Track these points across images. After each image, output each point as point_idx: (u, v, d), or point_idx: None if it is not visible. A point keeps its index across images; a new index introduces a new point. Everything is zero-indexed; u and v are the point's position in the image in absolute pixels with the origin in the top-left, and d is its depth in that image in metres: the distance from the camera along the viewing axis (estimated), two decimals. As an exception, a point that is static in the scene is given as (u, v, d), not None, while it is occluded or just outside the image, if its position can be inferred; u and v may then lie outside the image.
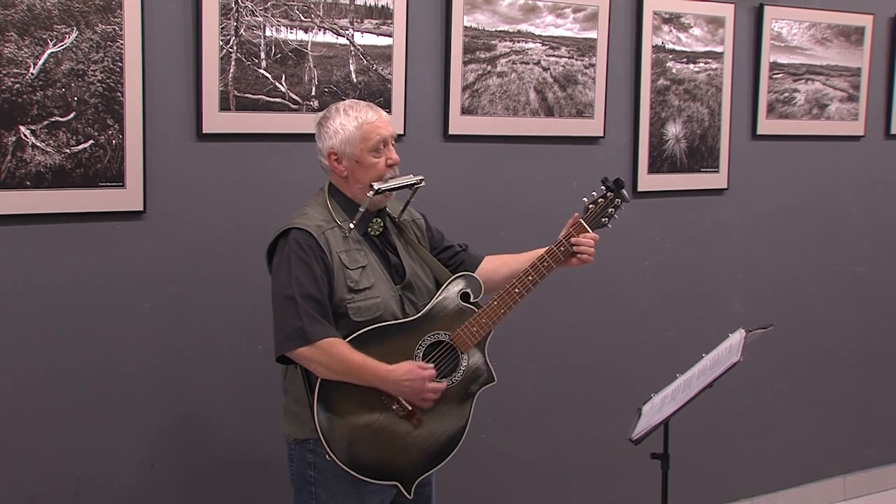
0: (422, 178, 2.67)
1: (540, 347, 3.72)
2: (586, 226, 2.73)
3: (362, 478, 2.53)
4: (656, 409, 2.83)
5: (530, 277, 2.67)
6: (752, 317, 3.99)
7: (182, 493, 3.08)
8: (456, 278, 2.68)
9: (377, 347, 2.54)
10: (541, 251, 2.72)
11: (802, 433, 4.50)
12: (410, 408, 2.57)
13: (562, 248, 2.70)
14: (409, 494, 2.59)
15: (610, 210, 2.75)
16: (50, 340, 2.85)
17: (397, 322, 2.58)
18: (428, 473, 2.64)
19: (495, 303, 2.64)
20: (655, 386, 2.97)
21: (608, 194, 2.75)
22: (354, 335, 2.53)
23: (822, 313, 4.50)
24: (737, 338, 2.89)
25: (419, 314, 2.61)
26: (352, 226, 2.59)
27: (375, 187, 2.56)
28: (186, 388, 3.05)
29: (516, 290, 2.65)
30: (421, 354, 2.59)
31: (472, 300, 2.67)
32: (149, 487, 3.02)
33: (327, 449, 2.51)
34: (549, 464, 3.81)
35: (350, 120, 2.59)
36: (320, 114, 2.67)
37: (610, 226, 2.78)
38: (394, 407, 2.57)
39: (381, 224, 2.67)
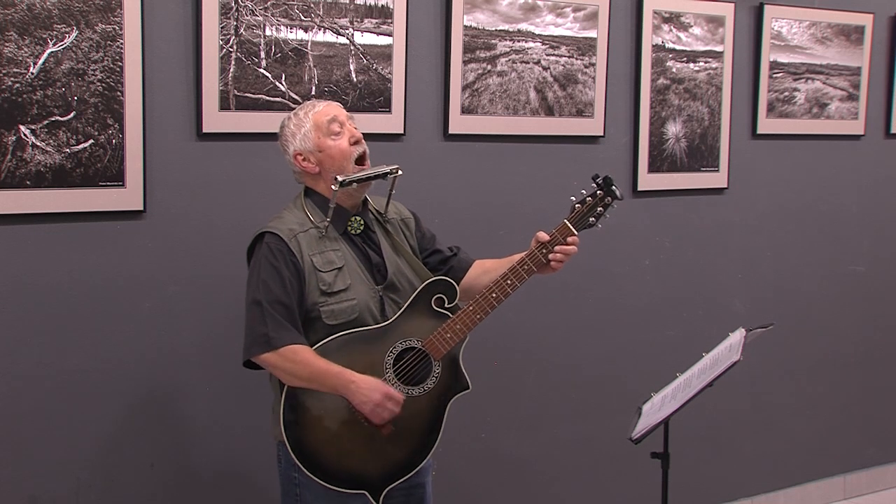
0: (396, 167, 2.60)
1: (540, 347, 3.72)
2: (571, 227, 2.61)
3: (329, 486, 2.50)
4: (656, 409, 2.83)
5: (509, 282, 2.57)
6: (752, 316, 4.00)
7: (182, 492, 3.08)
8: (430, 283, 2.60)
9: (345, 355, 2.49)
10: (521, 255, 2.63)
11: (802, 433, 4.50)
12: None
13: (543, 251, 2.60)
14: (378, 503, 2.54)
15: (599, 209, 2.63)
16: (50, 340, 2.85)
17: (366, 329, 2.53)
18: (397, 483, 2.58)
19: (471, 308, 2.57)
20: (655, 385, 2.97)
21: (598, 192, 2.63)
22: (321, 343, 2.50)
23: (822, 313, 4.50)
24: (737, 337, 2.89)
25: (389, 321, 2.55)
26: (327, 223, 2.55)
27: (339, 179, 2.52)
28: (186, 387, 3.05)
29: (493, 296, 2.57)
30: (391, 361, 2.54)
31: (447, 305, 2.59)
32: (149, 487, 3.02)
33: (293, 456, 2.48)
34: (549, 464, 3.80)
35: (300, 118, 2.60)
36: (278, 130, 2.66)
37: (600, 226, 2.67)
38: (361, 416, 2.51)
39: (362, 222, 2.62)
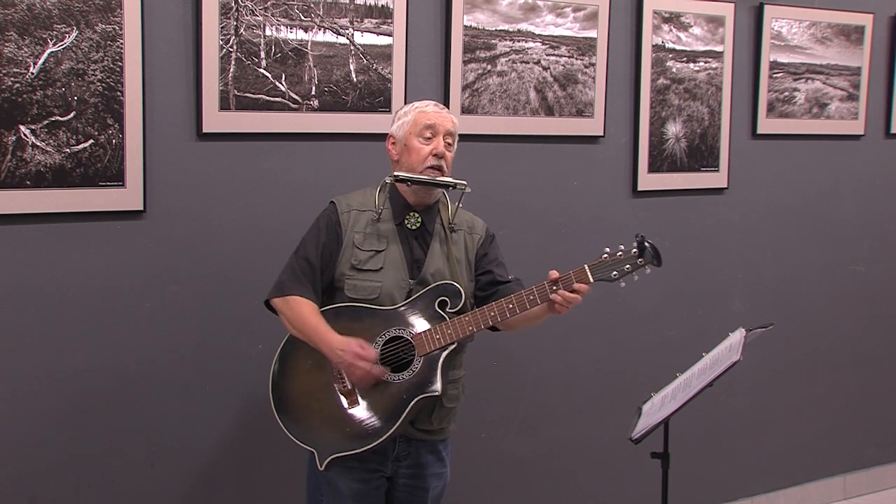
0: (464, 182, 2.69)
1: (540, 347, 3.72)
2: (587, 273, 2.60)
3: (287, 431, 2.64)
4: (656, 409, 2.83)
5: (510, 305, 2.61)
6: (752, 316, 4.00)
7: (182, 493, 3.08)
8: (439, 285, 2.67)
9: (346, 324, 2.63)
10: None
11: (802, 433, 4.50)
12: (351, 386, 2.63)
13: (553, 287, 2.59)
14: (321, 467, 2.62)
15: (626, 266, 2.61)
16: (50, 340, 2.85)
17: (371, 307, 2.65)
18: (342, 454, 2.61)
19: (467, 318, 2.62)
20: (655, 385, 2.97)
21: (632, 252, 2.61)
22: (332, 306, 2.66)
23: (822, 313, 4.50)
24: (737, 337, 2.89)
25: (394, 307, 2.65)
26: (381, 209, 2.68)
27: (396, 174, 2.67)
28: (186, 387, 3.05)
29: (491, 314, 2.61)
30: (381, 343, 2.64)
31: (448, 309, 2.65)
32: (149, 487, 3.02)
33: (270, 396, 2.66)
34: (549, 464, 3.80)
35: (411, 110, 2.74)
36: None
37: (622, 283, 2.63)
38: (339, 381, 2.64)
39: (419, 219, 2.71)
